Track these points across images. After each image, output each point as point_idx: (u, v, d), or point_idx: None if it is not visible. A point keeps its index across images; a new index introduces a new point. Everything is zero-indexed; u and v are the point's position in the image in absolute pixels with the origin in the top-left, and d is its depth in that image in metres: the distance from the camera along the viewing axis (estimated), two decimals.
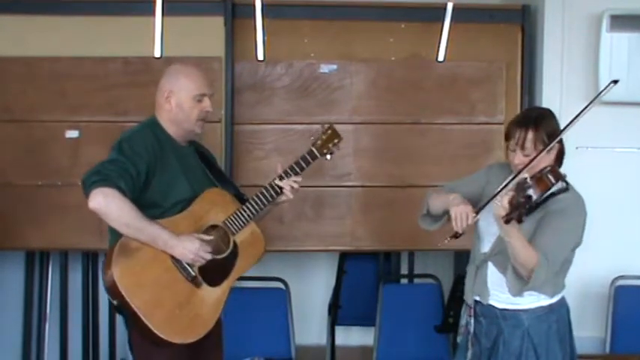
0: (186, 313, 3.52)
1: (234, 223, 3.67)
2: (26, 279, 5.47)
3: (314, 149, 3.84)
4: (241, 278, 5.06)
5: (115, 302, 3.46)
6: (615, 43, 4.77)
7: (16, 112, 4.79)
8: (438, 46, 4.91)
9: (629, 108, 4.85)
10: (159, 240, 3.44)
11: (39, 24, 4.80)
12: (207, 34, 4.83)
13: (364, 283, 5.66)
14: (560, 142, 3.43)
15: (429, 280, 5.19)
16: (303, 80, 4.90)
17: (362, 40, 4.94)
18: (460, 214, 3.32)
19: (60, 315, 5.24)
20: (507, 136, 3.44)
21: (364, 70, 4.92)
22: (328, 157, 3.88)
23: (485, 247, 3.53)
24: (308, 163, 3.82)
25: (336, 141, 3.88)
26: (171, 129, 3.70)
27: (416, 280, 5.51)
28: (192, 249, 3.47)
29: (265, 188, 3.74)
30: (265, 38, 4.85)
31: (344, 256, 5.68)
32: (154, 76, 4.70)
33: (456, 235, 3.35)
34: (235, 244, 3.68)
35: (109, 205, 3.35)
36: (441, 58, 4.92)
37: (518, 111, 4.74)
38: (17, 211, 4.78)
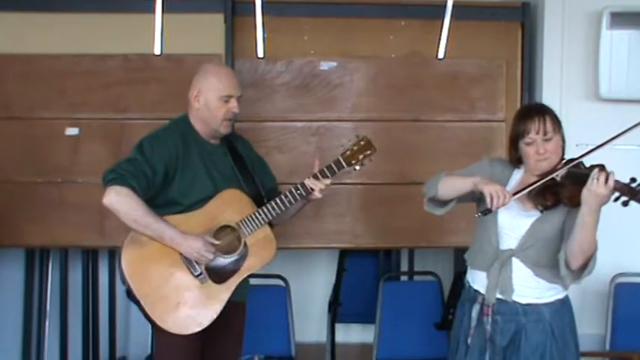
0: (188, 307, 3.67)
1: (248, 225, 3.74)
2: (26, 276, 5.46)
3: (341, 159, 3.84)
4: None
5: (124, 286, 3.70)
6: (615, 41, 4.77)
7: (16, 110, 4.79)
8: (438, 44, 4.91)
9: (629, 105, 4.84)
10: (165, 237, 3.62)
11: (39, 21, 4.80)
12: (207, 31, 4.83)
13: (364, 280, 5.66)
14: (562, 136, 3.53)
15: (429, 278, 5.20)
16: (303, 77, 4.89)
17: (362, 38, 4.94)
18: (497, 192, 3.31)
19: (60, 312, 5.24)
20: (522, 133, 3.47)
21: (364, 67, 4.92)
22: (357, 167, 3.88)
23: (509, 243, 3.51)
24: (333, 173, 3.83)
25: (368, 152, 3.87)
26: (199, 127, 3.82)
27: (416, 278, 5.51)
28: (195, 248, 3.62)
29: (290, 191, 3.78)
30: (265, 35, 4.85)
31: (344, 254, 5.69)
32: (154, 74, 4.77)
33: (486, 212, 3.36)
34: (246, 246, 3.74)
35: (119, 202, 3.57)
36: (441, 55, 4.93)
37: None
38: (17, 208, 4.78)
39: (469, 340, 3.59)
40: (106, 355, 5.45)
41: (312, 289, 5.90)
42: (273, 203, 3.77)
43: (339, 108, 4.92)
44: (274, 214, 3.76)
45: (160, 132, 3.78)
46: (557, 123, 3.48)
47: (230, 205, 3.76)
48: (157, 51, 4.79)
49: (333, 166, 3.82)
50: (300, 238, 4.87)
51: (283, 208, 3.77)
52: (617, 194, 3.21)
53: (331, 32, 4.92)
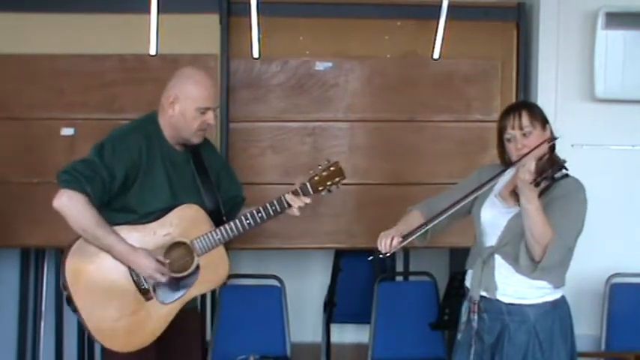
0: (128, 324, 3.54)
1: (202, 244, 3.62)
2: (22, 276, 5.48)
3: (308, 185, 3.72)
4: (237, 275, 5.11)
5: (65, 293, 3.54)
6: (610, 41, 4.77)
7: (12, 110, 4.78)
8: (434, 44, 4.91)
9: (625, 105, 4.85)
10: (114, 251, 3.48)
11: (35, 21, 4.79)
12: (203, 31, 4.82)
13: (359, 280, 5.66)
14: (551, 132, 3.51)
15: (424, 278, 5.19)
16: (298, 78, 4.89)
17: (357, 38, 4.94)
18: (386, 235, 3.47)
19: (55, 312, 5.25)
20: (502, 130, 3.51)
21: (359, 67, 4.92)
22: (324, 194, 3.77)
23: (491, 240, 3.53)
24: (299, 196, 3.72)
25: (337, 179, 3.76)
26: (167, 132, 3.67)
27: (411, 278, 5.52)
28: (148, 267, 3.49)
29: (265, 207, 3.68)
30: (260, 36, 4.84)
31: (339, 254, 5.70)
32: (150, 74, 4.76)
33: (379, 254, 3.47)
34: (198, 266, 3.62)
35: (70, 207, 3.41)
36: (436, 55, 4.92)
37: None
38: (13, 208, 4.77)
39: (459, 336, 3.65)
40: (101, 355, 5.45)
41: (307, 290, 5.91)
42: (237, 222, 3.65)
43: (335, 108, 4.91)
44: (231, 235, 3.65)
45: (123, 133, 3.61)
46: (537, 118, 3.47)
47: (187, 222, 3.62)
48: (153, 51, 4.78)
49: (299, 190, 3.70)
50: (295, 238, 4.87)
51: (248, 227, 3.66)
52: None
53: (326, 32, 4.91)
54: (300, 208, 3.70)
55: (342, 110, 4.91)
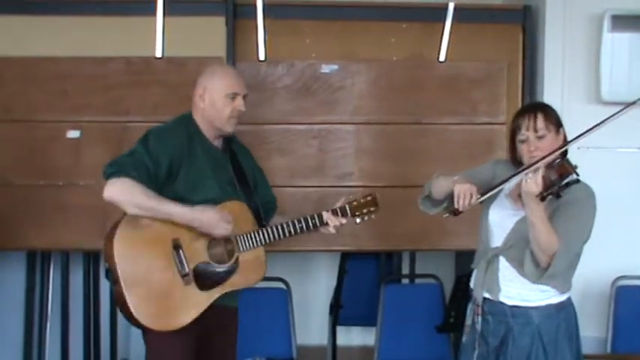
0: (165, 303, 3.57)
1: (245, 241, 3.69)
2: (27, 279, 5.48)
3: (347, 208, 3.83)
4: None
5: (105, 265, 3.56)
6: (616, 43, 4.77)
7: (17, 113, 4.79)
8: (440, 46, 4.91)
9: (631, 108, 4.84)
10: (175, 215, 3.53)
11: (40, 24, 4.80)
12: (209, 34, 4.82)
13: (365, 283, 5.67)
14: (564, 136, 3.49)
15: (430, 280, 5.19)
16: (304, 80, 4.89)
17: (363, 40, 4.94)
18: (464, 191, 3.35)
19: (61, 315, 5.24)
20: (515, 130, 3.48)
21: (365, 70, 4.92)
22: (358, 220, 3.87)
23: (497, 241, 3.52)
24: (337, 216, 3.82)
25: (372, 209, 3.88)
26: (204, 127, 3.75)
27: (417, 280, 5.51)
28: (213, 218, 3.56)
29: (305, 219, 3.78)
30: (267, 38, 4.85)
31: (345, 256, 5.70)
32: (155, 76, 4.77)
33: (455, 213, 3.38)
34: (237, 261, 3.68)
35: (119, 193, 3.48)
36: (442, 58, 4.93)
37: None
38: (18, 211, 4.77)
39: (464, 339, 3.64)
40: (108, 358, 5.45)
41: (313, 292, 5.91)
42: (278, 227, 3.75)
43: (341, 111, 4.91)
44: (272, 238, 3.74)
45: (166, 126, 3.73)
46: (552, 121, 3.45)
47: (233, 217, 3.66)
48: (159, 54, 4.79)
49: (339, 211, 3.82)
50: (301, 240, 4.80)
51: (288, 234, 3.76)
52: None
53: (332, 35, 4.92)
54: (336, 227, 3.80)
55: (348, 113, 4.92)
